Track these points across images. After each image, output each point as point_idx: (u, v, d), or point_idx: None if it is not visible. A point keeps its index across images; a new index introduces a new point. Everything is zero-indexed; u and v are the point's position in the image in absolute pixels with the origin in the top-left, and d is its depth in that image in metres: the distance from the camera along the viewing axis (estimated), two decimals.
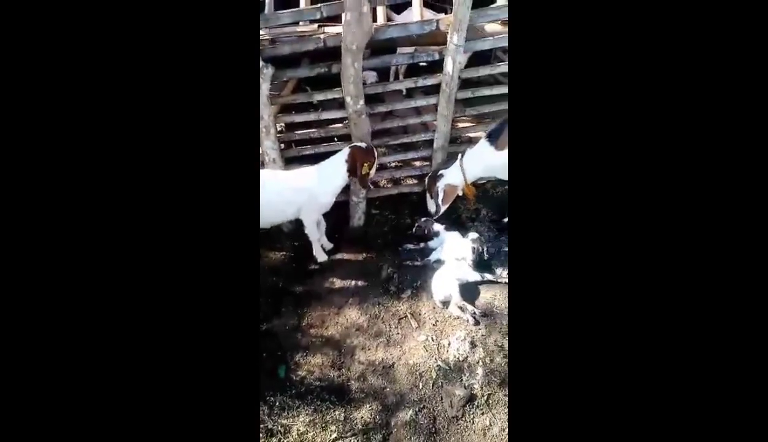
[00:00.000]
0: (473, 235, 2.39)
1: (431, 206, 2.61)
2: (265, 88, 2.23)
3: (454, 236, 2.46)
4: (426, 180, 2.61)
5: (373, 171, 2.40)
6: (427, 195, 2.62)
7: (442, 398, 1.82)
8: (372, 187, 2.55)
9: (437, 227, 2.55)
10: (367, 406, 1.82)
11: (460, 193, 2.56)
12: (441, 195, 2.47)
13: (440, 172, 2.51)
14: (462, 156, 2.46)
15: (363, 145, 2.34)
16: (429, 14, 3.08)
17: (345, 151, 2.33)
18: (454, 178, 2.47)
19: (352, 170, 2.32)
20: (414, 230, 2.63)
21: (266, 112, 2.32)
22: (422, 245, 2.55)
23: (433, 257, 2.45)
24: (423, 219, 2.62)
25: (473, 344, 1.98)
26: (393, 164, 3.11)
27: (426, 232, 2.55)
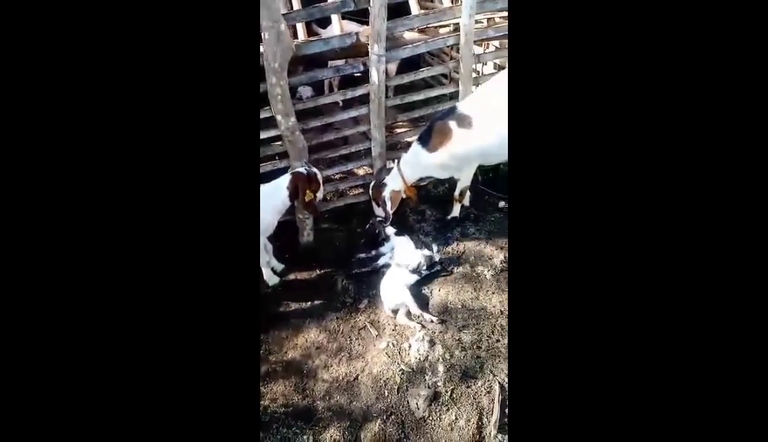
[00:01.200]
0: (426, 252, 2.40)
1: (380, 213, 2.66)
2: None
3: (404, 241, 2.51)
4: (370, 190, 2.65)
5: (319, 195, 2.39)
6: (374, 203, 2.66)
7: (408, 402, 1.83)
8: (318, 211, 2.53)
9: (389, 230, 2.59)
10: (335, 424, 1.79)
11: (404, 196, 2.63)
12: (389, 203, 2.52)
13: (383, 181, 2.56)
14: (398, 162, 2.54)
15: (304, 171, 2.30)
16: (353, 27, 3.15)
17: (286, 177, 2.29)
18: (395, 183, 2.54)
19: (294, 195, 2.29)
20: (367, 227, 2.65)
21: None
22: (373, 252, 2.57)
23: (381, 261, 2.47)
24: (377, 218, 2.65)
25: (432, 343, 2.02)
26: (337, 176, 3.11)
27: (377, 231, 2.59)
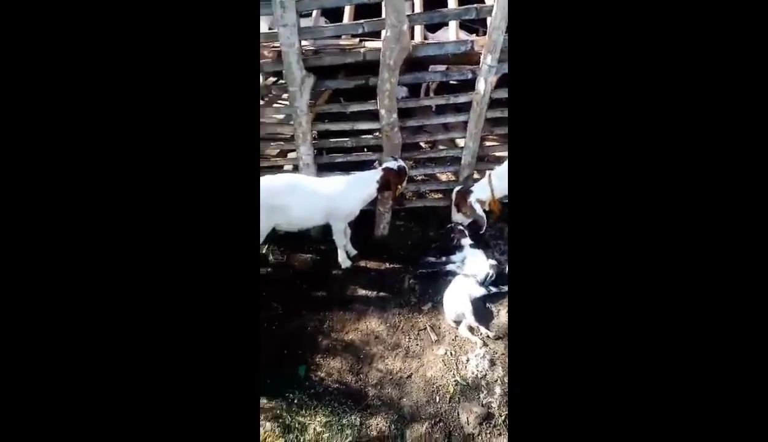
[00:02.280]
0: (492, 261, 2.39)
1: (457, 219, 2.65)
2: (305, 96, 2.33)
3: (478, 254, 2.48)
4: (453, 194, 2.65)
5: (403, 185, 2.48)
6: (453, 209, 2.66)
7: (458, 414, 1.81)
8: (403, 200, 2.60)
9: (465, 240, 2.56)
10: (383, 414, 1.83)
11: (486, 209, 2.59)
12: (478, 208, 2.50)
13: (470, 188, 2.55)
14: (490, 174, 2.51)
15: (395, 166, 2.42)
16: (463, 35, 3.16)
17: (378, 172, 2.41)
18: (482, 193, 2.52)
19: (384, 188, 2.41)
20: (443, 231, 2.66)
21: (304, 119, 2.42)
22: (444, 258, 2.57)
23: (448, 267, 2.47)
24: (458, 227, 2.63)
25: (492, 362, 1.97)
26: (420, 178, 3.16)
27: (453, 238, 2.58)
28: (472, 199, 2.51)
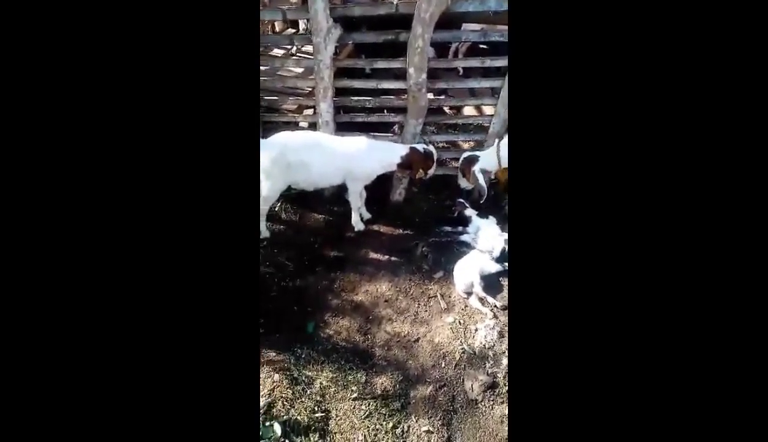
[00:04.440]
0: (506, 235, 2.34)
1: (463, 184, 2.60)
2: (330, 49, 2.21)
3: (489, 223, 2.43)
4: (460, 160, 2.58)
5: (431, 172, 2.42)
6: (459, 174, 2.60)
7: (463, 380, 1.84)
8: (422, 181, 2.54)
9: (469, 211, 2.53)
10: (389, 374, 1.87)
11: (493, 178, 2.52)
12: (480, 177, 2.43)
13: (476, 154, 2.46)
14: (499, 141, 2.40)
15: (422, 149, 2.35)
16: None
17: (404, 148, 2.34)
18: (488, 162, 2.43)
19: (405, 167, 2.36)
20: (453, 208, 2.63)
21: (326, 73, 2.31)
22: (460, 228, 2.53)
23: (462, 238, 2.46)
24: (459, 200, 2.61)
25: (501, 335, 1.98)
26: (441, 144, 3.06)
27: (456, 211, 2.56)
28: (476, 167, 2.43)
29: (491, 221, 2.45)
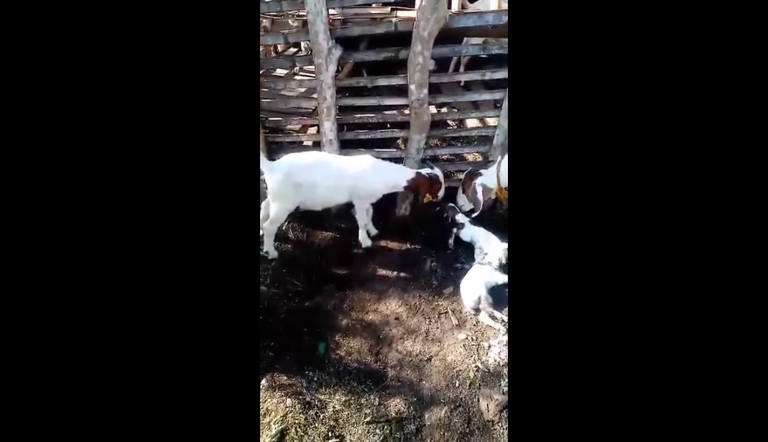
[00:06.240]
0: (505, 245, 2.31)
1: (461, 201, 2.60)
2: (331, 69, 2.23)
3: (490, 237, 2.40)
4: (463, 175, 2.58)
5: (440, 194, 2.44)
6: (460, 189, 2.59)
7: (478, 400, 1.80)
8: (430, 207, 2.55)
9: (461, 217, 2.52)
10: (402, 396, 1.83)
11: (493, 197, 2.52)
12: (479, 191, 2.43)
13: (479, 172, 2.47)
14: (500, 160, 2.42)
15: (427, 174, 2.37)
16: (505, 4, 2.95)
17: (410, 173, 2.36)
18: (489, 180, 2.45)
19: (411, 190, 2.39)
20: (437, 209, 2.61)
21: (329, 92, 2.33)
22: (454, 230, 2.52)
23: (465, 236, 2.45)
24: (449, 205, 2.59)
25: None
26: (445, 156, 3.06)
27: (449, 219, 2.54)
28: (477, 181, 2.43)
29: (484, 231, 2.43)
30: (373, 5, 2.58)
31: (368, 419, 1.74)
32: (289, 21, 2.33)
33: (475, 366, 1.91)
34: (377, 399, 1.82)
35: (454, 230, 2.50)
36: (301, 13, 2.23)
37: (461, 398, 1.81)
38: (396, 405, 1.80)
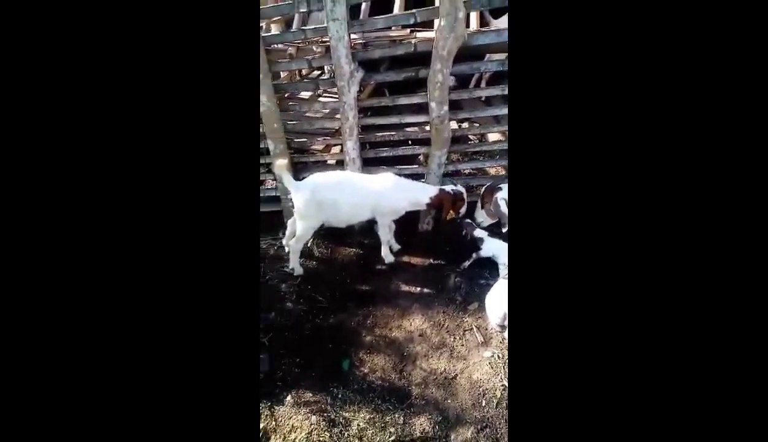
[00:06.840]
0: None
1: (479, 217, 2.57)
2: (353, 90, 2.31)
3: (504, 246, 2.36)
4: (482, 190, 2.55)
5: (462, 211, 2.45)
6: (478, 204, 2.56)
7: (505, 421, 1.74)
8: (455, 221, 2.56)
9: (480, 232, 2.48)
10: (427, 414, 1.80)
11: None
12: (502, 205, 2.39)
13: (499, 186, 2.44)
14: None
15: (451, 190, 2.39)
16: None
17: (432, 190, 2.39)
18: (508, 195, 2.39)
19: (434, 207, 2.42)
20: (457, 223, 2.58)
21: (351, 113, 2.41)
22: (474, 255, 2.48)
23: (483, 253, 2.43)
24: (467, 221, 2.56)
25: None
26: (467, 171, 3.06)
27: (467, 235, 2.51)
28: (499, 195, 2.39)
29: (504, 244, 2.39)
30: (393, 28, 2.65)
31: (393, 438, 1.72)
32: (313, 47, 2.44)
33: (502, 385, 1.86)
34: (402, 418, 1.80)
35: (474, 254, 2.47)
36: (324, 40, 2.32)
37: (488, 418, 1.76)
38: (421, 424, 1.77)
